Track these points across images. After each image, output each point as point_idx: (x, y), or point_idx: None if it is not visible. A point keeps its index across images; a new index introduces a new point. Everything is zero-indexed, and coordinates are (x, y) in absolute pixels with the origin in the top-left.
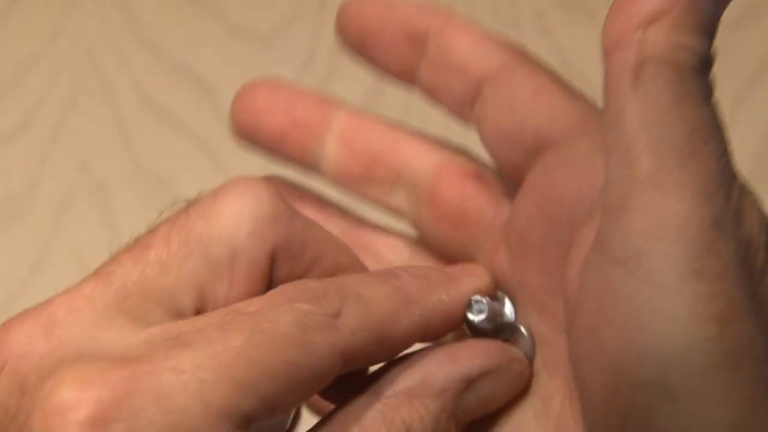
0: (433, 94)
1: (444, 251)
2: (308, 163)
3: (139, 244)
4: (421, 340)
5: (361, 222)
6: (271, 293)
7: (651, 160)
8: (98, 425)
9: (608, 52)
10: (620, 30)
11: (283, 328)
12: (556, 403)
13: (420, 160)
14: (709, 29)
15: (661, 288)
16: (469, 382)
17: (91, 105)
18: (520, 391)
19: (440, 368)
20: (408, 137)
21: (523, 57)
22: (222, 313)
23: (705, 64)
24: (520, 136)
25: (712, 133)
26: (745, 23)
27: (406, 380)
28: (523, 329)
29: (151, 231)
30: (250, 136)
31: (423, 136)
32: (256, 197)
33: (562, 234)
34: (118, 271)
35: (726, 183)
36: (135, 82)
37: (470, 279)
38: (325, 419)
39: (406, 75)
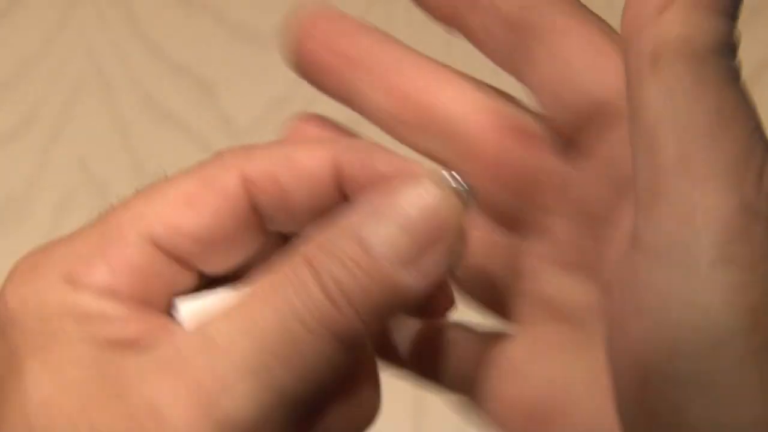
0: (473, 38)
1: (486, 203)
2: (348, 99)
3: None
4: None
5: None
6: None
7: (675, 146)
8: None
9: (626, 41)
10: (636, 16)
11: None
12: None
13: (456, 104)
14: (727, 9)
15: (692, 276)
16: (370, 211)
17: (91, 105)
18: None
19: (344, 213)
20: (446, 77)
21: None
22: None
23: (725, 45)
24: (571, 98)
25: (738, 114)
26: (745, 23)
27: (315, 232)
28: (447, 176)
29: None
30: (296, 65)
31: (463, 77)
32: None
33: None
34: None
35: (757, 162)
36: (135, 82)
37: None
38: (257, 279)
39: (448, 18)
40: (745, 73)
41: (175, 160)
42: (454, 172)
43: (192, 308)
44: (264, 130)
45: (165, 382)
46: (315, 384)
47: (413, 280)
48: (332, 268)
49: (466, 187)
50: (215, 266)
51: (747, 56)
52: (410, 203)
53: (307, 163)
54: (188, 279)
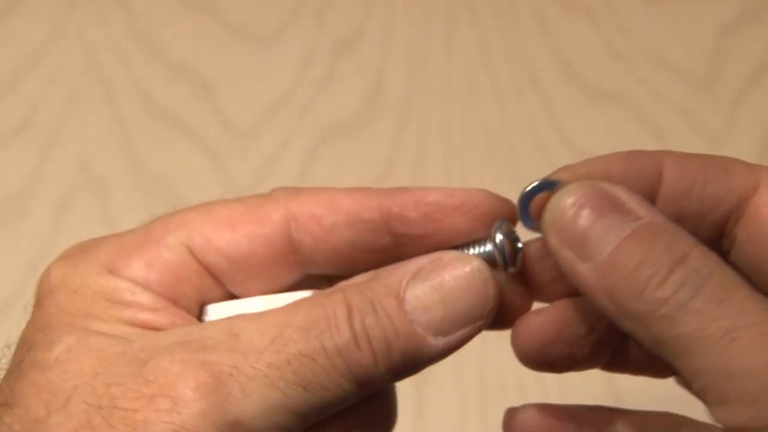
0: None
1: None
2: None
3: None
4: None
5: None
6: None
7: None
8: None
9: None
10: None
11: None
12: None
13: None
14: None
15: None
16: (415, 272)
17: (91, 105)
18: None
19: (390, 267)
20: None
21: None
22: None
23: None
24: None
25: None
26: (745, 23)
27: (360, 278)
28: (497, 239)
29: None
30: None
31: None
32: None
33: None
34: None
35: None
36: (135, 82)
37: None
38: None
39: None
40: (745, 73)
41: (174, 160)
42: (508, 226)
43: (221, 312)
44: (264, 130)
45: (187, 368)
46: (321, 406)
47: (438, 347)
48: (365, 313)
49: (517, 244)
50: (244, 289)
51: (747, 56)
52: (456, 280)
53: (351, 206)
54: (217, 294)
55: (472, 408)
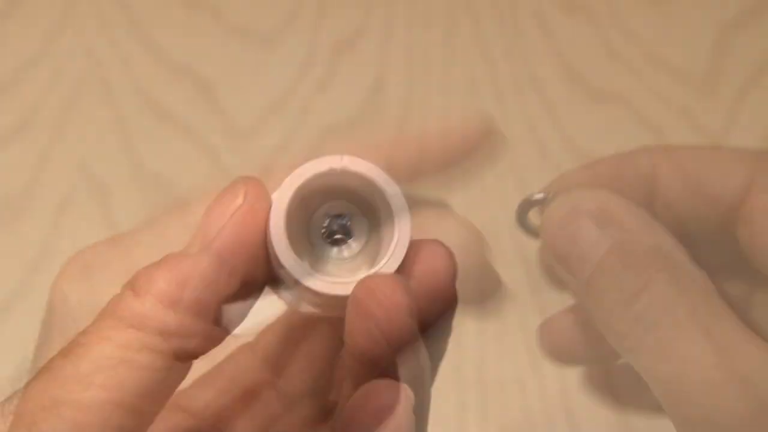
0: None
1: None
2: None
3: None
4: None
5: None
6: None
7: None
8: None
9: None
10: None
11: None
12: None
13: None
14: None
15: None
16: None
17: (91, 105)
18: None
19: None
20: None
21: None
22: None
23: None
24: None
25: None
26: (745, 23)
27: None
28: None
29: None
30: None
31: None
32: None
33: None
34: None
35: None
36: (135, 82)
37: None
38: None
39: None
40: (745, 73)
41: (175, 160)
42: None
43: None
44: (264, 130)
45: (233, 404)
46: None
47: None
48: None
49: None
50: (258, 275)
51: (747, 56)
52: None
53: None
54: (233, 287)
55: (471, 408)
